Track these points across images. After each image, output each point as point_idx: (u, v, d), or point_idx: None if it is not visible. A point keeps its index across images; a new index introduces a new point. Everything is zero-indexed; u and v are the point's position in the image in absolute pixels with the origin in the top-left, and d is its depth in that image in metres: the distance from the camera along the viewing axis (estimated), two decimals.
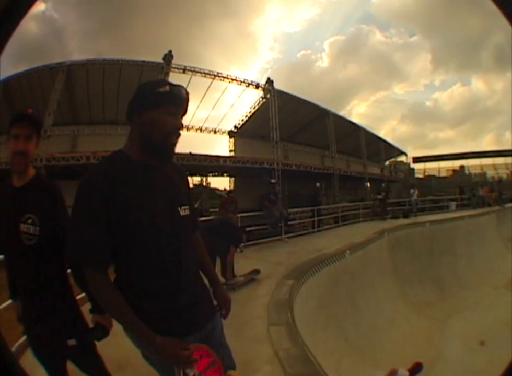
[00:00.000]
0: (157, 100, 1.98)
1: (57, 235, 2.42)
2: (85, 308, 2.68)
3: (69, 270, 2.49)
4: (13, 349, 4.63)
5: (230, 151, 37.16)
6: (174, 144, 2.08)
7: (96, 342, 2.72)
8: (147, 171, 2.05)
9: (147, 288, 1.98)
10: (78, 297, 2.87)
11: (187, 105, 2.14)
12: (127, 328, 1.96)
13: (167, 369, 2.00)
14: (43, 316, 2.55)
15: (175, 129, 2.05)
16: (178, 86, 2.07)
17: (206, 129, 37.08)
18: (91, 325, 2.64)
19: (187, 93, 2.11)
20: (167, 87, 2.01)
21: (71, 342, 2.52)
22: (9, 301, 5.23)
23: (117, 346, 4.96)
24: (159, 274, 1.99)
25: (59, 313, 2.55)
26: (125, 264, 1.99)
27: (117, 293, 1.89)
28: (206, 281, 2.42)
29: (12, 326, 6.07)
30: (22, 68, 27.42)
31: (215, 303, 2.41)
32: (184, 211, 2.15)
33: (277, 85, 32.83)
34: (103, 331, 2.57)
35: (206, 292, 2.35)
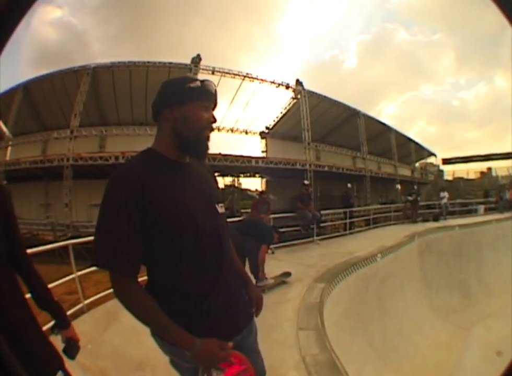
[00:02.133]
0: (189, 95, 1.97)
1: (13, 250, 2.15)
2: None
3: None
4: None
5: (262, 151, 37.30)
6: (208, 139, 2.07)
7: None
8: (181, 168, 2.04)
9: (185, 290, 1.92)
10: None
11: (216, 99, 2.12)
12: (162, 333, 1.88)
13: None
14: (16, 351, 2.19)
15: (209, 123, 2.06)
16: (208, 81, 2.06)
17: (237, 130, 37.25)
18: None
19: (215, 87, 2.10)
20: (198, 83, 2.01)
21: (59, 374, 2.22)
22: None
23: (139, 345, 5.04)
24: (199, 275, 1.94)
25: (31, 345, 2.14)
26: (161, 266, 1.91)
27: (150, 298, 1.82)
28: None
29: None
30: (43, 71, 27.85)
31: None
32: (221, 208, 2.14)
33: (307, 85, 32.88)
34: (75, 345, 2.49)
35: (244, 295, 2.29)
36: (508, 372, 1.26)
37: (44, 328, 2.66)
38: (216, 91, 2.09)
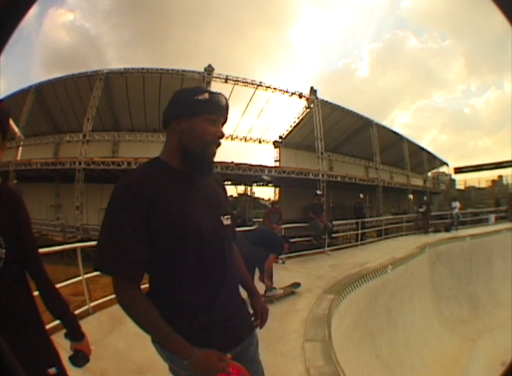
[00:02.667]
0: (197, 107, 1.93)
1: (25, 256, 2.16)
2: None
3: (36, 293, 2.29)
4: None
5: (275, 161, 37.39)
6: (214, 154, 2.03)
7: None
8: (188, 177, 1.99)
9: (186, 300, 1.89)
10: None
11: (227, 113, 2.08)
12: (161, 341, 1.87)
13: None
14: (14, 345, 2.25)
15: (216, 139, 2.00)
16: (218, 94, 2.01)
17: (250, 139, 37.36)
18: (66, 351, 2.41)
19: (226, 101, 2.04)
20: (206, 95, 1.94)
21: (52, 371, 2.24)
22: None
23: (142, 350, 5.02)
24: (200, 286, 1.93)
25: (30, 341, 2.19)
26: (163, 275, 1.90)
27: (151, 306, 1.80)
28: (244, 294, 2.31)
29: None
30: (56, 75, 28.23)
31: (252, 314, 2.33)
32: (227, 220, 2.10)
33: (319, 94, 32.92)
34: (83, 358, 2.44)
35: (245, 307, 2.24)
36: (508, 372, 1.29)
37: (48, 326, 2.68)
38: (226, 104, 2.04)
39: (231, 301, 2.06)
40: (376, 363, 8.82)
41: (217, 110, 1.99)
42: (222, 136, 2.03)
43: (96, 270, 1.81)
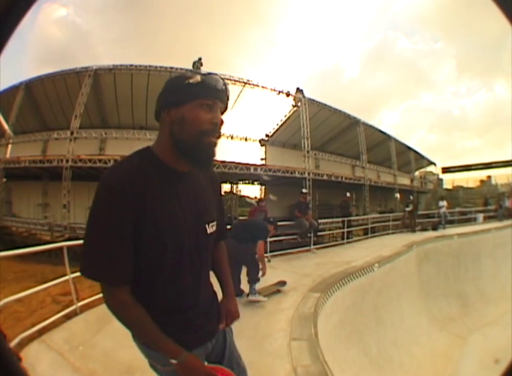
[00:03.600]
0: (188, 92, 1.74)
1: None
2: None
3: None
4: (11, 345, 4.76)
5: (261, 159, 37.40)
6: (213, 145, 1.81)
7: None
8: (177, 178, 1.84)
9: (163, 303, 1.87)
10: None
11: (227, 98, 1.89)
12: (151, 344, 1.88)
13: None
14: None
15: (212, 126, 1.77)
16: (213, 75, 1.81)
17: (237, 136, 37.38)
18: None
19: (225, 83, 1.85)
20: (198, 78, 1.74)
21: None
22: (8, 299, 5.30)
23: (130, 349, 5.07)
24: (178, 292, 1.90)
25: None
26: (141, 279, 1.78)
27: (142, 310, 1.76)
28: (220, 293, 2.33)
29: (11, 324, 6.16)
30: (46, 70, 28.11)
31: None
32: (211, 227, 2.01)
33: (308, 94, 33.14)
34: None
35: (216, 303, 2.24)
36: (508, 372, 1.27)
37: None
38: (225, 87, 1.84)
39: (205, 302, 2.08)
40: (365, 361, 8.83)
41: (212, 93, 1.78)
42: (221, 123, 1.82)
43: (83, 276, 1.72)
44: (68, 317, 6.10)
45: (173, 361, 1.80)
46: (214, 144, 1.81)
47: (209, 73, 1.81)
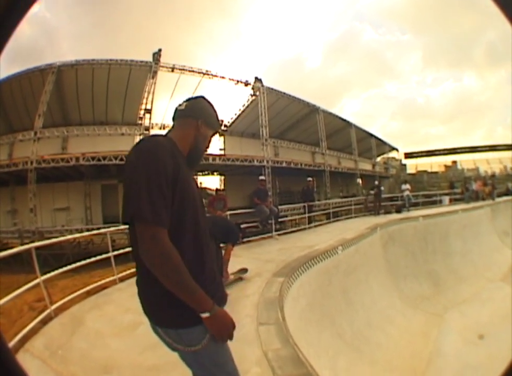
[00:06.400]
0: (215, 123, 2.51)
1: None
2: None
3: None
4: (10, 345, 4.81)
5: (220, 149, 37.11)
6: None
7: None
8: (188, 165, 2.27)
9: (189, 256, 2.03)
10: None
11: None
12: (189, 294, 1.92)
13: (201, 361, 2.12)
14: None
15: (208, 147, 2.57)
16: (222, 120, 2.37)
17: None
18: None
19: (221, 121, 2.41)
20: (219, 121, 2.58)
21: None
22: (6, 299, 5.31)
23: (104, 348, 5.12)
24: (199, 244, 2.14)
25: None
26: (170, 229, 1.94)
27: (180, 257, 1.89)
28: None
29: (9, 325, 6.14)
30: (15, 70, 27.48)
31: None
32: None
33: (269, 83, 33.05)
34: None
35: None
36: (508, 372, 1.35)
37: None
38: (221, 125, 2.39)
39: (214, 264, 2.29)
40: (340, 343, 8.94)
41: (218, 129, 2.66)
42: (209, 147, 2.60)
43: (129, 220, 1.93)
44: (44, 322, 6.09)
45: (205, 314, 1.95)
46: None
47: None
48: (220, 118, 2.63)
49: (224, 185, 39.19)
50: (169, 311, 2.02)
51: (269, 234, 15.08)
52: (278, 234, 15.51)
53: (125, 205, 1.96)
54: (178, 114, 2.41)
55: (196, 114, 2.37)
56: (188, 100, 2.48)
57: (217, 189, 19.11)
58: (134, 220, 1.89)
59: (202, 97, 2.54)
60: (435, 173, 53.82)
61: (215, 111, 2.52)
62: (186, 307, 1.93)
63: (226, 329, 2.04)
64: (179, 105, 2.45)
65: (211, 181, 44.95)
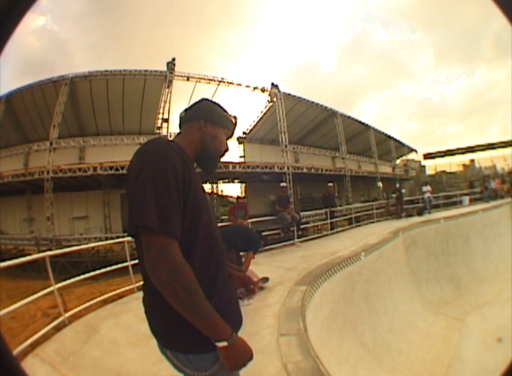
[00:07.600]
0: (224, 120, 2.27)
1: None
2: None
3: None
4: (19, 349, 4.92)
5: (240, 156, 37.37)
6: (219, 162, 2.32)
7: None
8: (197, 169, 2.11)
9: (202, 272, 1.80)
10: None
11: (234, 131, 2.41)
12: (203, 317, 1.65)
13: None
14: None
15: (227, 149, 2.31)
16: (235, 116, 2.37)
17: None
18: None
19: (236, 121, 2.40)
20: (231, 116, 2.34)
21: None
22: (11, 307, 5.27)
23: (118, 357, 5.02)
24: (212, 259, 1.92)
25: None
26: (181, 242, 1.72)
27: (193, 273, 1.66)
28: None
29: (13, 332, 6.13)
30: (26, 82, 27.83)
31: None
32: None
33: (285, 89, 33.37)
34: None
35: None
36: (508, 372, 1.24)
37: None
38: (236, 123, 2.39)
39: (228, 279, 2.10)
40: (362, 351, 8.78)
41: (234, 129, 2.37)
42: (228, 149, 2.35)
43: (134, 232, 1.71)
44: (57, 329, 6.08)
45: (221, 344, 1.69)
46: (220, 161, 2.35)
47: (233, 115, 2.38)
48: (232, 115, 2.36)
49: (245, 192, 39.24)
50: (180, 336, 1.78)
51: (291, 241, 14.90)
52: (300, 241, 15.35)
53: (128, 215, 1.71)
54: (181, 121, 2.28)
55: (197, 115, 2.20)
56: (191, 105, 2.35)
57: (238, 197, 19.10)
58: (139, 230, 1.66)
59: (204, 98, 2.36)
60: (454, 173, 53.71)
61: (221, 108, 2.31)
62: (200, 333, 1.68)
63: (243, 362, 1.78)
64: (182, 112, 2.32)
65: (232, 189, 45.29)
